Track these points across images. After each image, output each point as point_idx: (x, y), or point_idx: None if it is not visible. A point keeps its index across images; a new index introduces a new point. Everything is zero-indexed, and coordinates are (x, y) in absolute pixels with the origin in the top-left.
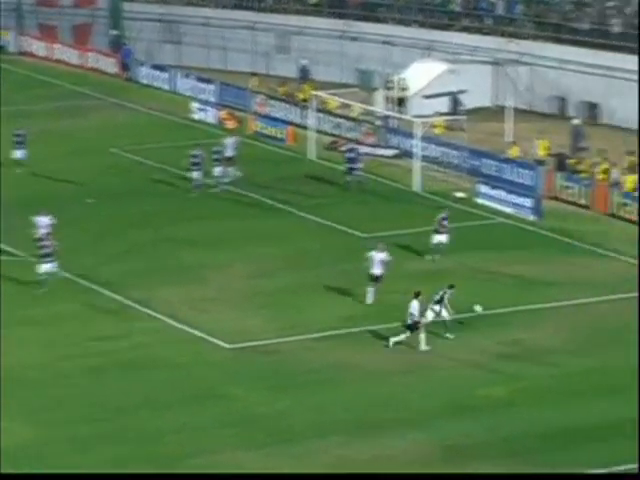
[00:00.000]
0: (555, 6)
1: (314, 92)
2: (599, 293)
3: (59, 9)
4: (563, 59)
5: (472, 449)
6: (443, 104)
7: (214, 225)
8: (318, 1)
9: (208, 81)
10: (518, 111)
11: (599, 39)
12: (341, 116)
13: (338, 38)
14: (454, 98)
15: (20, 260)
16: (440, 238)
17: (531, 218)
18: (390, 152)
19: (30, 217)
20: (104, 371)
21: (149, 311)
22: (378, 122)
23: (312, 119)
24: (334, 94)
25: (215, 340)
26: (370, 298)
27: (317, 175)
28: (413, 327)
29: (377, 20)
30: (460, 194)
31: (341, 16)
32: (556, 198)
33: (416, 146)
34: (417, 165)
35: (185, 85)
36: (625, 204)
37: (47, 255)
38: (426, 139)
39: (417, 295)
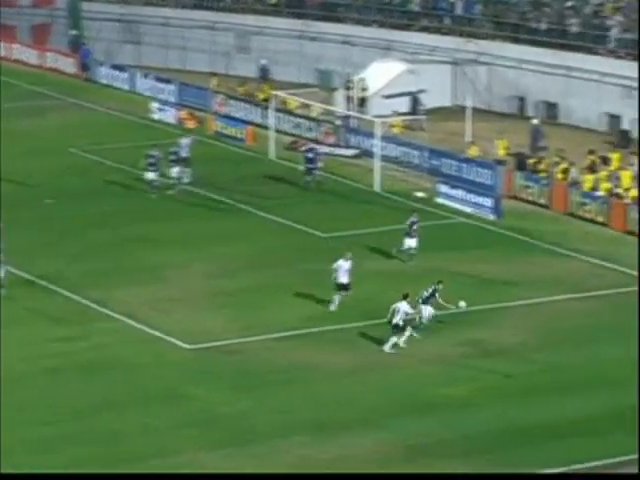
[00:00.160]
0: (513, 6)
1: (274, 92)
2: (558, 292)
3: (18, 9)
4: (522, 59)
5: (433, 448)
6: (403, 104)
7: (173, 225)
8: (277, 1)
9: (168, 81)
10: (477, 111)
11: (557, 39)
12: (301, 116)
13: (297, 38)
14: (414, 98)
15: None
16: (410, 242)
17: (491, 218)
18: (350, 152)
19: None
20: (63, 372)
21: (108, 311)
22: (338, 122)
23: (272, 119)
24: (294, 94)
25: (175, 340)
26: (334, 305)
27: (277, 175)
28: (405, 327)
29: (336, 20)
30: (420, 194)
31: (300, 16)
32: (515, 197)
33: (376, 146)
34: (377, 165)
35: (144, 85)
36: (584, 203)
37: None
38: (386, 139)
39: (405, 297)
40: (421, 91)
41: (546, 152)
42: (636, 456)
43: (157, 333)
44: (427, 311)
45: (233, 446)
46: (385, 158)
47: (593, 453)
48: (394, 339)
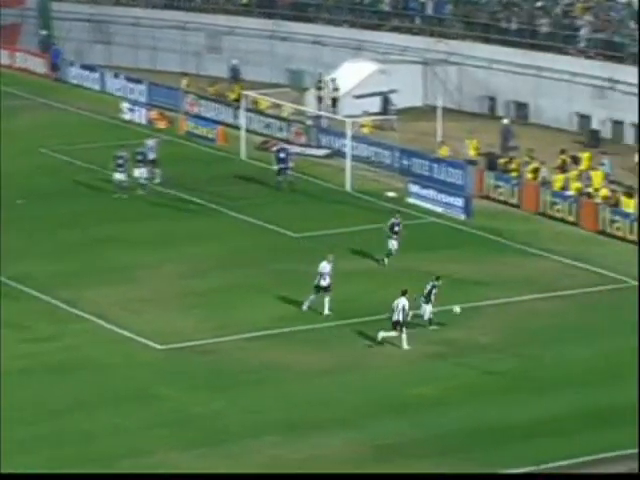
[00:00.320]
0: (484, 6)
1: (245, 92)
2: (529, 292)
3: None
4: (492, 59)
5: (405, 447)
6: (374, 104)
7: (144, 226)
8: (248, 1)
9: (138, 81)
10: (448, 111)
11: (528, 39)
12: (272, 116)
13: (268, 38)
14: (385, 98)
15: None
16: (392, 243)
17: (462, 217)
18: (321, 152)
19: None
20: (34, 373)
21: (79, 312)
22: (309, 122)
23: (243, 119)
24: (265, 94)
25: (147, 341)
26: (306, 306)
27: (248, 175)
28: (404, 324)
29: (307, 20)
30: (391, 194)
31: (271, 16)
32: (487, 197)
33: (347, 146)
34: (348, 165)
35: (115, 85)
36: (554, 203)
37: None
38: (357, 139)
39: (404, 293)
40: (392, 91)
41: (516, 152)
42: (604, 455)
43: (128, 333)
44: (427, 309)
45: (205, 446)
46: (356, 158)
47: (560, 452)
48: (392, 333)
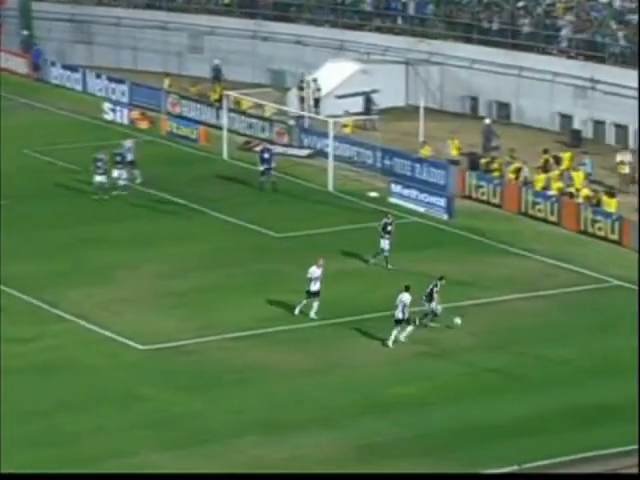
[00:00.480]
0: (465, 6)
1: (226, 92)
2: (512, 291)
3: None
4: (474, 59)
5: (388, 447)
6: (356, 104)
7: (125, 226)
8: (230, 1)
9: (120, 81)
10: (430, 111)
11: (509, 39)
12: (254, 116)
13: (250, 38)
14: (367, 98)
15: None
16: (384, 243)
17: (444, 217)
18: (303, 152)
19: None
20: (17, 374)
21: (61, 313)
22: (291, 122)
23: (225, 119)
24: (247, 94)
25: (129, 341)
26: (316, 312)
27: (230, 175)
28: (408, 320)
29: (289, 20)
30: (373, 194)
31: (253, 16)
32: (469, 197)
33: (329, 146)
34: (330, 165)
35: (97, 85)
36: (536, 203)
37: None
38: (339, 139)
39: (407, 288)
40: (374, 91)
41: (498, 152)
42: (588, 454)
43: (110, 334)
44: (433, 306)
45: (187, 446)
46: (338, 158)
47: (543, 452)
48: (394, 333)
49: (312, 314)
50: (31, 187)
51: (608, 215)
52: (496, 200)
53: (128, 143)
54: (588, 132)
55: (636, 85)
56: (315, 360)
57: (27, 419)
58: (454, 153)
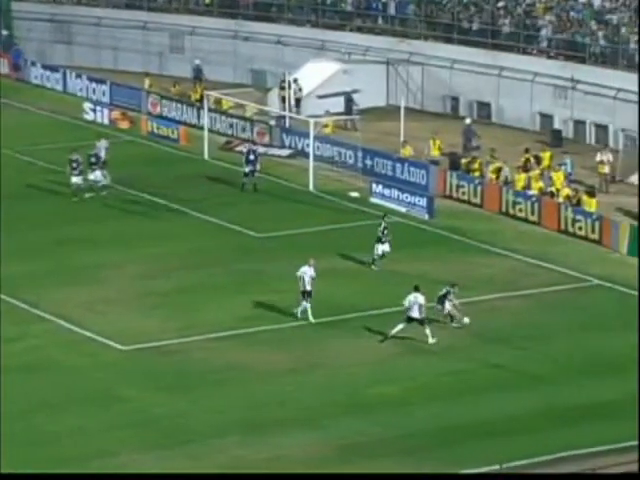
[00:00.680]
0: (446, 6)
1: (207, 92)
2: (492, 291)
3: None
4: (454, 59)
5: (369, 447)
6: (337, 104)
7: (106, 226)
8: (210, 1)
9: (100, 81)
10: (411, 111)
11: (490, 39)
12: (235, 116)
13: (231, 38)
14: (348, 98)
15: None
16: (383, 247)
17: (425, 217)
18: (284, 152)
19: None
20: None
21: (42, 313)
22: (272, 122)
23: (206, 119)
24: (228, 94)
25: (110, 342)
26: (299, 312)
27: (211, 175)
28: (424, 320)
29: (269, 20)
30: (354, 193)
31: (233, 16)
32: (449, 197)
33: (310, 146)
34: (311, 165)
35: (77, 85)
36: (517, 202)
37: None
38: (320, 139)
39: (417, 288)
40: (355, 91)
41: (479, 152)
42: (569, 453)
43: (91, 334)
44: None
45: (169, 447)
46: (319, 158)
47: (524, 451)
48: (427, 331)
49: (298, 313)
50: (11, 187)
51: (588, 215)
52: (477, 200)
53: (103, 143)
54: (568, 132)
55: (616, 85)
56: (297, 360)
57: (8, 419)
58: (435, 153)
